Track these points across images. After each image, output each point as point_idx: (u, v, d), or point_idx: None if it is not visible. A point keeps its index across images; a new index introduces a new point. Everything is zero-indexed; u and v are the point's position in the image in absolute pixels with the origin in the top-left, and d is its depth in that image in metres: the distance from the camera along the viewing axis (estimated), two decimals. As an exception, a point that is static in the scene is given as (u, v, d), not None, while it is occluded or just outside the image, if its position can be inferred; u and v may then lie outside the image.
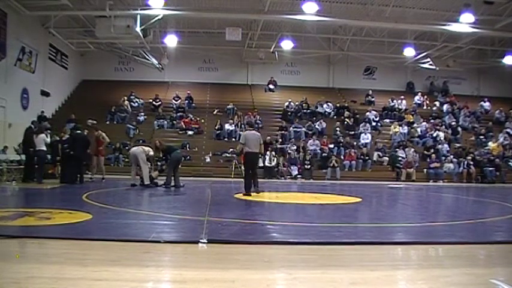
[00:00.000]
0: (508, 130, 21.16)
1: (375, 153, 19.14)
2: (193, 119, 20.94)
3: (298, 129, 20.20)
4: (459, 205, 10.69)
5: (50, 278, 3.20)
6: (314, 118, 21.38)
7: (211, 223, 5.70)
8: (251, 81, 25.30)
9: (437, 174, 18.15)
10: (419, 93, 24.44)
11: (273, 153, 17.84)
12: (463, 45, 21.68)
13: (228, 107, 21.79)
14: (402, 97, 23.54)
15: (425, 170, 18.38)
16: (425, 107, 23.70)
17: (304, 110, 22.12)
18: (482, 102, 24.05)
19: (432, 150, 19.26)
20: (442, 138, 20.27)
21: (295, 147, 18.72)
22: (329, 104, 22.70)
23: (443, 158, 19.00)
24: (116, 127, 19.48)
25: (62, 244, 4.39)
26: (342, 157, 18.74)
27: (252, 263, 3.90)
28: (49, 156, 13.02)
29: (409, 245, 4.82)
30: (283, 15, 18.16)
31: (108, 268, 3.49)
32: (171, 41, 20.95)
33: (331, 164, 17.79)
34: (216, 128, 20.17)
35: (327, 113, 22.33)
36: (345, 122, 21.31)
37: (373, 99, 23.55)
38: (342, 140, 19.56)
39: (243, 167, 10.43)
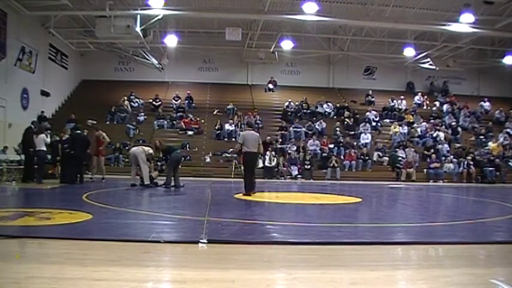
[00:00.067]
0: (508, 130, 21.15)
1: (375, 153, 19.14)
2: (193, 119, 20.94)
3: (298, 129, 20.20)
4: (459, 205, 10.69)
5: (50, 278, 3.20)
6: (314, 118, 21.38)
7: (211, 223, 5.70)
8: (251, 81, 25.30)
9: (437, 174, 18.15)
10: (419, 93, 24.44)
11: (273, 153, 17.84)
12: (463, 45, 21.68)
13: (228, 107, 21.79)
14: (402, 97, 23.54)
15: (425, 170, 18.38)
16: (425, 107, 23.70)
17: (304, 110, 22.12)
18: (482, 102, 24.05)
19: (432, 150, 19.26)
20: (442, 138, 20.27)
21: (295, 147, 18.73)
22: (329, 104, 22.70)
23: (443, 158, 19.00)
24: (116, 127, 19.48)
25: (62, 244, 4.39)
26: (342, 157, 18.74)
27: (251, 263, 3.90)
28: (49, 156, 13.02)
29: (409, 245, 4.82)
30: (283, 15, 18.16)
31: (108, 268, 3.49)
32: (171, 41, 20.96)
33: (331, 164, 17.79)
34: (216, 128, 20.17)
35: (327, 113, 22.33)
36: (345, 122, 21.31)
37: (373, 99, 23.55)
38: (342, 140, 19.56)
39: (242, 167, 10.44)
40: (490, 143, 19.98)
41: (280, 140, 19.41)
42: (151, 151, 11.74)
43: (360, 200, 9.90)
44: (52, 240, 4.54)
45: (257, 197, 9.56)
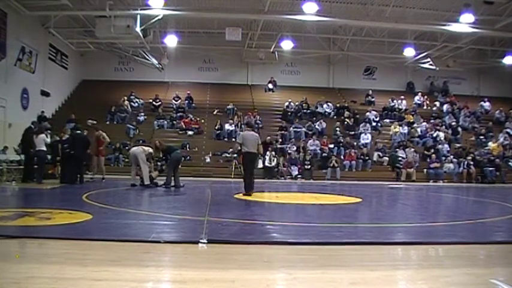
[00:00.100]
0: (508, 130, 21.15)
1: (375, 153, 19.14)
2: (193, 119, 20.94)
3: (298, 129, 20.20)
4: (459, 205, 10.69)
5: (50, 278, 3.20)
6: (314, 118, 21.38)
7: (211, 223, 5.70)
8: (251, 81, 25.30)
9: (437, 174, 18.15)
10: (420, 93, 24.44)
11: (273, 153, 17.83)
12: (463, 45, 21.68)
13: (228, 107, 21.79)
14: (402, 97, 23.54)
15: (425, 170, 18.38)
16: (425, 107, 23.70)
17: (304, 110, 22.12)
18: (482, 102, 24.05)
19: (432, 150, 19.25)
20: (442, 138, 20.26)
21: (295, 147, 18.73)
22: (329, 104, 22.70)
23: (444, 158, 19.00)
24: (116, 127, 19.48)
25: (62, 244, 4.39)
26: (342, 157, 18.74)
27: (251, 263, 3.90)
28: (49, 156, 13.02)
29: (409, 245, 4.82)
30: (283, 15, 18.15)
31: (108, 268, 3.49)
32: (171, 41, 20.96)
33: (331, 164, 17.79)
34: (216, 128, 20.17)
35: (327, 113, 22.33)
36: (345, 122, 21.31)
37: (373, 99, 23.55)
38: (342, 140, 19.56)
39: (242, 168, 10.46)
40: (490, 143, 19.98)
41: (280, 140, 19.41)
42: (151, 150, 11.74)
43: (360, 200, 9.90)
44: (52, 240, 4.54)
45: (257, 197, 9.57)
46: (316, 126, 20.71)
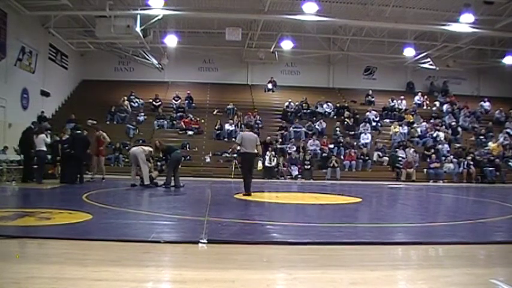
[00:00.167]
0: (508, 130, 21.15)
1: (375, 153, 19.13)
2: (193, 119, 20.94)
3: (298, 129, 20.19)
4: (459, 205, 10.69)
5: (50, 278, 3.20)
6: (314, 118, 21.37)
7: (211, 223, 5.70)
8: (251, 81, 25.30)
9: (437, 174, 18.15)
10: (419, 93, 24.43)
11: (273, 153, 17.83)
12: (463, 45, 21.67)
13: (228, 107, 21.79)
14: (402, 97, 23.54)
15: (425, 170, 18.37)
16: (425, 107, 23.69)
17: (304, 110, 22.11)
18: (482, 102, 24.05)
19: (432, 150, 19.25)
20: (442, 138, 20.26)
21: (295, 147, 18.72)
22: (329, 104, 22.70)
23: (443, 158, 18.99)
24: (116, 127, 19.47)
25: (62, 244, 4.39)
26: (342, 157, 18.73)
27: (251, 263, 3.90)
28: (49, 156, 13.02)
29: (409, 245, 4.83)
30: (283, 15, 18.15)
31: (108, 268, 3.49)
32: (171, 41, 20.95)
33: (331, 164, 17.79)
34: (216, 128, 20.17)
35: (327, 113, 22.32)
36: (345, 122, 21.31)
37: (373, 99, 23.55)
38: (342, 140, 19.56)
39: (241, 168, 10.49)
40: (490, 143, 19.98)
41: (280, 140, 19.41)
42: (151, 149, 11.75)
43: (360, 200, 9.91)
44: (52, 240, 4.54)
45: (257, 197, 9.57)
46: (316, 126, 20.70)
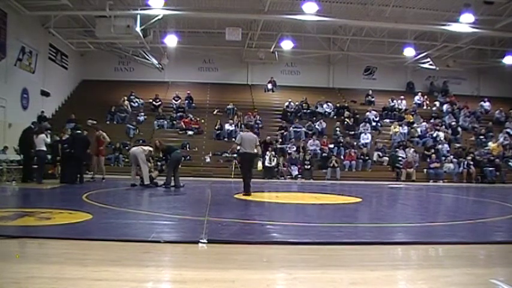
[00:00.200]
0: (508, 130, 21.15)
1: (375, 153, 19.14)
2: (193, 119, 20.94)
3: (298, 129, 20.20)
4: (459, 205, 10.69)
5: (50, 278, 3.20)
6: (314, 118, 21.37)
7: (211, 223, 5.70)
8: (251, 81, 25.30)
9: (437, 174, 18.15)
10: (419, 93, 24.43)
11: (273, 153, 17.83)
12: (463, 45, 21.67)
13: (228, 107, 21.80)
14: (402, 97, 23.54)
15: (425, 170, 18.37)
16: (425, 107, 23.69)
17: (304, 110, 22.11)
18: (482, 102, 24.05)
19: (432, 150, 19.25)
20: (442, 138, 20.26)
21: (295, 147, 18.72)
22: (329, 104, 22.70)
23: (443, 158, 19.00)
24: (116, 127, 19.48)
25: (62, 244, 4.40)
26: (342, 157, 18.73)
27: (251, 263, 3.90)
28: (49, 156, 13.02)
29: (409, 245, 4.83)
30: (283, 15, 18.15)
31: (108, 268, 3.49)
32: (171, 41, 20.95)
33: (331, 164, 17.79)
34: (216, 128, 20.17)
35: (327, 113, 22.33)
36: (345, 122, 21.31)
37: (373, 99, 23.55)
38: (342, 140, 19.56)
39: (240, 168, 10.51)
40: (490, 143, 19.98)
41: (280, 140, 19.41)
42: (151, 149, 11.75)
43: (360, 200, 9.91)
44: (52, 240, 4.54)
45: (257, 197, 9.57)
46: (316, 126, 20.70)
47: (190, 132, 20.11)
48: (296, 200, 10.01)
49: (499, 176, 18.14)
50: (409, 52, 21.86)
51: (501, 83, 25.11)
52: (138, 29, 16.51)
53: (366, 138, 20.16)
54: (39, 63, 18.46)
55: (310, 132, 20.22)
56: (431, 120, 21.88)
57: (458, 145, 20.07)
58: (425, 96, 24.28)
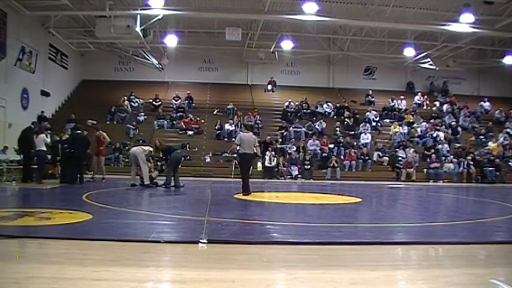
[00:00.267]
0: (508, 130, 21.15)
1: (375, 153, 19.13)
2: (193, 119, 20.94)
3: (298, 129, 20.20)
4: (459, 205, 10.69)
5: (50, 278, 3.20)
6: (314, 118, 21.37)
7: (211, 223, 5.70)
8: (251, 81, 25.30)
9: (437, 174, 18.15)
10: (419, 93, 24.43)
11: (273, 153, 17.83)
12: (463, 45, 21.67)
13: (228, 107, 21.79)
14: (402, 97, 23.54)
15: (425, 170, 18.37)
16: (425, 107, 23.69)
17: (304, 110, 22.11)
18: (482, 102, 24.05)
19: (432, 150, 19.25)
20: (442, 138, 20.26)
21: (295, 147, 18.72)
22: (329, 104, 22.70)
23: (443, 158, 19.00)
24: (116, 127, 19.47)
25: (62, 244, 4.40)
26: (342, 157, 18.73)
27: (251, 263, 3.90)
28: (49, 156, 13.02)
29: (409, 245, 4.83)
30: (283, 15, 18.15)
31: (108, 268, 3.49)
32: (171, 41, 20.95)
33: (331, 164, 17.78)
34: (216, 128, 20.17)
35: (327, 113, 22.32)
36: (345, 122, 21.31)
37: (373, 99, 23.55)
38: (342, 140, 19.56)
39: (239, 168, 10.52)
40: (490, 143, 19.98)
41: (280, 140, 19.41)
42: (151, 149, 11.75)
43: (360, 200, 9.91)
44: (52, 240, 4.54)
45: (257, 197, 9.57)
46: (316, 126, 20.70)
47: (190, 132, 20.11)
48: (296, 200, 10.01)
49: (499, 176, 18.14)
50: (409, 52, 21.86)
51: (501, 83, 25.11)
52: (138, 29, 16.51)
53: (366, 138, 20.16)
54: (39, 63, 18.45)
55: (310, 132, 20.22)
56: (431, 120, 21.88)
57: (458, 145, 20.08)
58: (425, 96, 24.28)
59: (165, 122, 20.73)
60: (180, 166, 12.36)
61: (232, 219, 6.25)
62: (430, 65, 23.42)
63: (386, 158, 19.02)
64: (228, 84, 24.50)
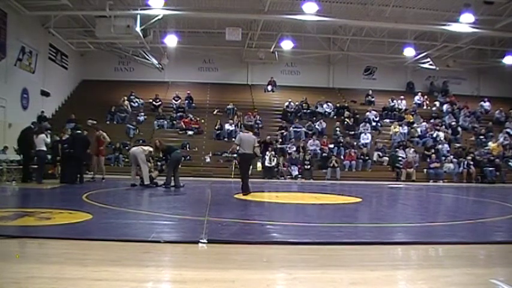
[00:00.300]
0: (508, 130, 21.15)
1: (375, 153, 19.14)
2: (193, 119, 20.94)
3: (298, 129, 20.20)
4: (459, 205, 10.69)
5: (50, 278, 3.20)
6: (314, 118, 21.38)
7: (211, 223, 5.70)
8: (251, 81, 25.30)
9: (437, 174, 18.15)
10: (419, 93, 24.43)
11: (273, 153, 17.83)
12: (463, 45, 21.67)
13: (228, 107, 21.80)
14: (402, 97, 23.54)
15: (425, 170, 18.37)
16: (425, 107, 23.69)
17: (304, 110, 22.12)
18: (482, 102, 24.05)
19: (432, 150, 19.25)
20: (442, 138, 20.26)
21: (295, 147, 18.72)
22: (329, 104, 22.70)
23: (443, 158, 19.00)
24: (116, 127, 19.48)
25: (62, 244, 4.40)
26: (342, 157, 18.73)
27: (251, 263, 3.90)
28: (49, 156, 13.02)
29: (409, 245, 4.83)
30: (283, 15, 18.15)
31: (108, 268, 3.49)
32: (171, 41, 20.95)
33: (331, 164, 17.78)
34: (216, 128, 20.17)
35: (327, 113, 22.33)
36: (345, 122, 21.31)
37: (373, 99, 23.55)
38: (342, 140, 19.56)
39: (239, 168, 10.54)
40: (490, 143, 19.98)
41: (280, 140, 19.41)
42: (151, 149, 11.75)
43: (360, 200, 9.91)
44: (52, 240, 4.54)
45: (257, 197, 9.57)
46: (316, 126, 20.70)
47: (190, 132, 20.11)
48: (296, 200, 10.00)
49: (499, 176, 18.14)
50: (409, 52, 21.86)
51: (501, 83, 25.11)
52: (138, 29, 16.51)
53: (366, 138, 20.16)
54: (39, 63, 18.46)
55: (310, 132, 20.22)
56: (431, 120, 21.88)
57: (458, 145, 20.08)
58: (425, 96, 24.28)
59: (165, 122, 20.73)
60: (180, 166, 12.36)
61: (232, 219, 6.25)
62: (430, 65, 23.42)
63: (386, 158, 19.02)
64: (228, 84, 24.50)
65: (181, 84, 23.95)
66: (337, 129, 20.38)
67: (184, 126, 20.40)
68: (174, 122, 20.81)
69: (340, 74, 25.51)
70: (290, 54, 23.42)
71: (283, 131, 20.15)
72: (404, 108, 23.01)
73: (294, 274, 3.50)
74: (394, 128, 20.85)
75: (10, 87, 16.19)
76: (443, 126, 21.40)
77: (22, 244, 4.48)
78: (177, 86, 23.91)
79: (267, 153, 17.42)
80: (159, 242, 4.44)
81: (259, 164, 17.38)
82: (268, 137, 18.75)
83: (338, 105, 22.69)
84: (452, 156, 18.88)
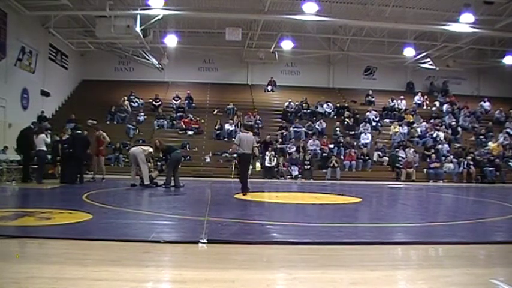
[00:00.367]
0: (508, 130, 21.15)
1: (375, 153, 19.14)
2: (193, 119, 20.94)
3: (298, 129, 20.20)
4: (459, 205, 10.69)
5: (50, 278, 3.20)
6: (314, 118, 21.38)
7: (211, 223, 5.70)
8: (251, 81, 25.31)
9: (437, 174, 18.15)
10: (419, 93, 24.43)
11: (273, 153, 17.83)
12: (463, 45, 21.68)
13: (228, 107, 21.80)
14: (402, 97, 23.54)
15: (425, 170, 18.37)
16: (425, 107, 23.69)
17: (304, 110, 22.12)
18: (482, 102, 24.05)
19: (432, 150, 19.25)
20: (442, 138, 20.27)
21: (295, 147, 18.72)
22: (329, 104, 22.70)
23: (443, 158, 19.00)
24: (116, 127, 19.48)
25: (62, 244, 4.40)
26: (342, 157, 18.73)
27: (251, 263, 3.90)
28: (49, 156, 13.02)
29: (409, 245, 4.83)
30: (283, 15, 18.15)
31: (108, 268, 3.49)
32: (171, 41, 20.95)
33: (331, 164, 17.78)
34: (216, 128, 20.17)
35: (327, 113, 22.33)
36: (345, 122, 21.31)
37: (373, 99, 23.55)
38: (342, 140, 19.56)
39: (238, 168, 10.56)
40: (490, 143, 19.98)
41: (280, 140, 19.42)
42: (151, 150, 11.75)
43: (360, 200, 9.91)
44: (52, 240, 4.54)
45: (257, 197, 9.58)
46: (316, 126, 20.71)
47: (190, 132, 20.11)
48: (296, 200, 10.00)
49: (499, 176, 18.14)
50: (409, 52, 21.86)
51: (501, 83, 25.11)
52: (138, 29, 16.51)
53: (366, 138, 20.16)
54: (39, 63, 18.46)
55: (310, 132, 20.22)
56: (431, 120, 21.89)
57: (458, 145, 20.08)
58: (425, 96, 24.29)
59: (165, 122, 20.74)
60: (180, 166, 12.36)
61: (232, 219, 6.25)
62: (430, 65, 23.42)
63: (386, 158, 19.02)
64: (228, 84, 24.50)
65: (181, 84, 23.95)
66: (337, 129, 20.38)
67: (184, 126, 20.40)
68: (174, 122, 20.81)
69: (340, 74, 25.51)
70: (290, 54, 23.42)
71: (283, 131, 20.15)
72: (404, 108, 23.01)
73: (294, 274, 3.50)
74: (394, 128, 20.85)
75: (10, 87, 16.20)
76: (443, 126, 21.40)
77: (22, 244, 4.48)
78: (177, 86, 23.92)
79: (267, 153, 17.42)
80: (159, 242, 4.44)
81: (258, 164, 17.38)
82: (268, 136, 18.76)
83: (338, 105, 22.69)
84: (452, 156, 18.88)
